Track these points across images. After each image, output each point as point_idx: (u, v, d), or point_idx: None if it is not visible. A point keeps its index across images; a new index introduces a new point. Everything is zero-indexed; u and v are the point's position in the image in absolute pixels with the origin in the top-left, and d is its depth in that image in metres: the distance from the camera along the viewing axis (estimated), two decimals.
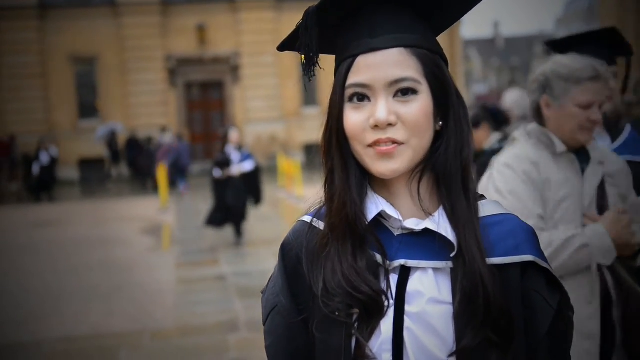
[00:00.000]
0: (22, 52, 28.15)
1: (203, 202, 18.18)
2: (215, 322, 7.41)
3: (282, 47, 1.43)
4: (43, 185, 22.49)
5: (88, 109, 29.36)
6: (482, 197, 1.40)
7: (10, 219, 17.85)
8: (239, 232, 11.97)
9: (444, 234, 1.31)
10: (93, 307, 8.22)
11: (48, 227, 15.77)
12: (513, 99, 5.98)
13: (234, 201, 11.62)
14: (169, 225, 15.32)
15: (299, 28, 1.35)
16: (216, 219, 11.86)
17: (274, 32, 29.64)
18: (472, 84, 78.76)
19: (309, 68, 1.34)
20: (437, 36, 1.39)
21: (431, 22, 1.36)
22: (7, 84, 28.20)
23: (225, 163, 11.79)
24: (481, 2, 1.38)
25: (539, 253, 1.35)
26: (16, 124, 27.46)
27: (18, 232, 15.13)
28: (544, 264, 1.34)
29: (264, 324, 1.46)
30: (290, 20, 28.81)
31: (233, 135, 11.79)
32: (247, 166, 11.94)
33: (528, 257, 1.32)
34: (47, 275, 10.20)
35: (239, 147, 12.06)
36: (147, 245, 12.64)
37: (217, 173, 11.90)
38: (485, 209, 1.36)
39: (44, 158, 22.48)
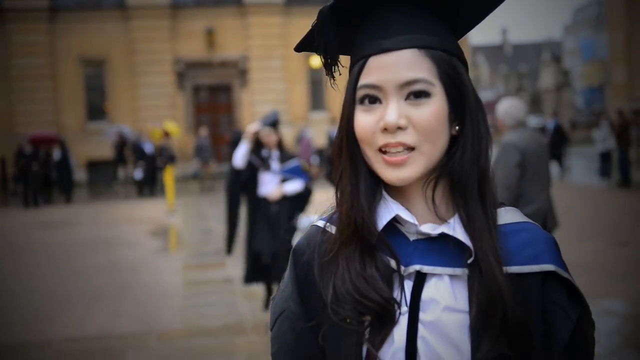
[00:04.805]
0: (32, 54, 28.30)
1: (210, 206, 18.25)
2: (222, 324, 7.43)
3: (299, 48, 1.38)
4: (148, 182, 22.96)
5: (97, 111, 29.50)
6: (502, 204, 1.34)
7: (18, 220, 17.93)
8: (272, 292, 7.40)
9: (461, 239, 1.25)
10: (100, 308, 8.26)
11: (56, 228, 15.84)
12: (504, 110, 5.96)
13: (266, 244, 7.21)
14: (176, 227, 15.36)
15: (314, 28, 1.31)
16: (252, 274, 7.44)
17: (282, 37, 29.72)
18: (479, 91, 78.50)
19: (330, 68, 1.31)
20: (458, 39, 1.33)
21: (451, 24, 1.31)
22: (17, 85, 28.36)
23: (249, 172, 7.28)
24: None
25: (560, 263, 1.28)
26: (25, 125, 27.55)
27: (26, 233, 15.20)
28: (565, 274, 1.28)
29: (271, 330, 1.39)
30: (299, 25, 28.86)
31: (264, 133, 7.22)
32: (294, 187, 7.26)
33: (548, 267, 1.26)
34: (55, 276, 10.25)
35: (284, 155, 7.36)
36: (155, 247, 12.68)
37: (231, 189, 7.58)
38: (504, 217, 1.30)
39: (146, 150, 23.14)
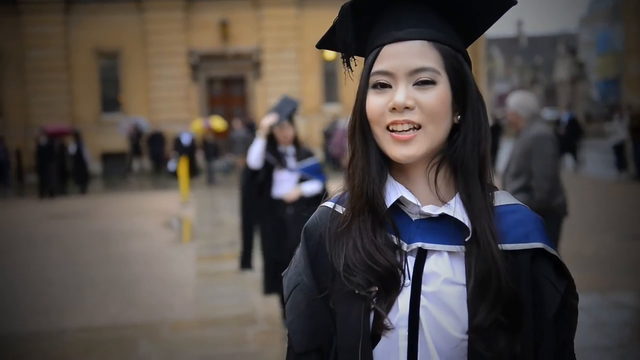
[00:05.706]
0: (46, 46, 28.44)
1: (223, 198, 18.30)
2: (234, 315, 7.47)
3: (321, 45, 1.51)
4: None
5: (111, 102, 29.61)
6: (495, 188, 1.46)
7: (34, 211, 18.05)
8: None
9: (460, 219, 1.37)
10: (113, 298, 8.32)
11: (70, 219, 15.94)
12: (516, 102, 5.97)
13: (285, 250, 6.28)
14: (189, 219, 15.42)
15: (335, 25, 1.43)
16: (273, 284, 6.57)
17: (295, 29, 29.70)
18: (494, 83, 78.36)
19: (347, 61, 1.44)
20: (467, 45, 1.46)
21: (460, 28, 1.44)
22: (32, 77, 28.50)
23: (266, 171, 6.46)
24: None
25: (548, 241, 1.41)
26: (40, 117, 27.72)
27: (41, 224, 15.30)
28: (553, 251, 1.40)
29: (285, 302, 1.52)
30: (313, 17, 28.85)
31: (280, 127, 6.36)
32: (312, 188, 6.41)
33: (538, 244, 1.38)
34: (69, 267, 10.32)
35: (301, 152, 6.54)
36: (168, 239, 12.74)
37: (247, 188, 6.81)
38: (499, 199, 1.43)
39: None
